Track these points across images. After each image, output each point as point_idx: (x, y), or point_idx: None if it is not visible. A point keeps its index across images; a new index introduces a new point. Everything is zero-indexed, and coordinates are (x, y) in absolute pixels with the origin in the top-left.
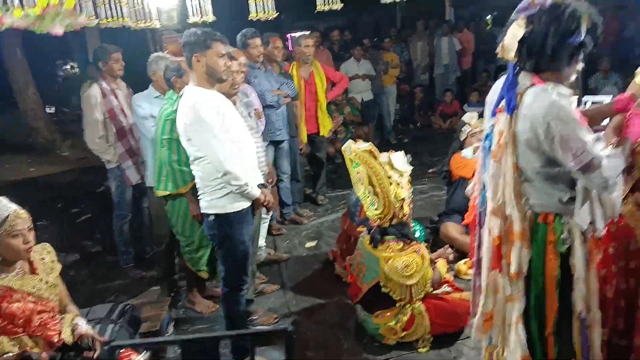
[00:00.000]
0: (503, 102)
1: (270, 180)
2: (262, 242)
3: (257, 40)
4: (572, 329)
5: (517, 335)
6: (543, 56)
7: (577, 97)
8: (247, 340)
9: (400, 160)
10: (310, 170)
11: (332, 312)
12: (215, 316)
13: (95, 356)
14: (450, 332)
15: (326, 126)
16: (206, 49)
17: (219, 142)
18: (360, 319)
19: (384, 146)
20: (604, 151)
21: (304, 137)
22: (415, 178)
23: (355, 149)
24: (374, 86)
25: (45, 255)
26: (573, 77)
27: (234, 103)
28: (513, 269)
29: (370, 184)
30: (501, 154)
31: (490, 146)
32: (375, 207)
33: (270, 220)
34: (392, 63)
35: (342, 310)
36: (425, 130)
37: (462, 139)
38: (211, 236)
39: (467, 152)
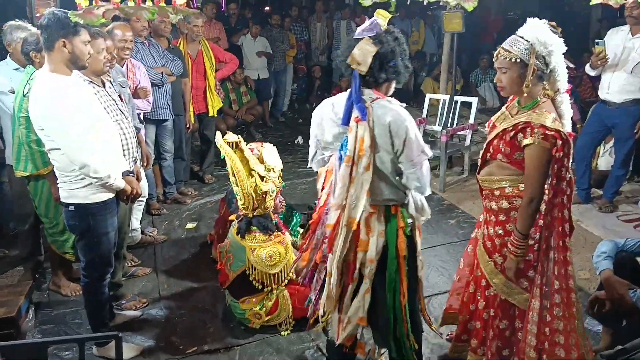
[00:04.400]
0: (356, 113)
1: (145, 164)
2: (136, 224)
3: (142, 13)
4: (416, 290)
5: (362, 302)
6: (386, 72)
7: (449, 96)
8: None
9: (272, 154)
10: (200, 147)
11: (203, 297)
12: (81, 299)
13: None
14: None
15: (215, 106)
16: (74, 35)
17: (75, 133)
18: (228, 304)
19: (277, 125)
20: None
21: (191, 116)
22: (303, 160)
23: (219, 142)
24: (276, 64)
25: None
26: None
27: (103, 84)
28: (372, 254)
29: (234, 175)
30: (357, 157)
31: (345, 153)
32: (239, 197)
33: (150, 199)
34: (289, 43)
35: (213, 295)
36: None
37: None
38: (71, 227)
39: None
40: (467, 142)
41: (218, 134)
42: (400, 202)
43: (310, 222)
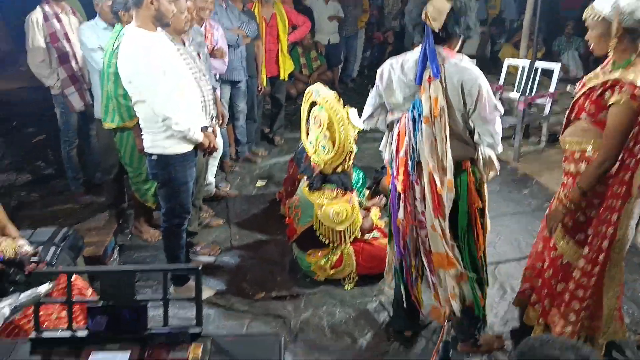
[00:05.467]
0: (429, 72)
1: (220, 122)
2: (211, 178)
3: None
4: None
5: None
6: (459, 28)
7: (529, 61)
8: (185, 270)
9: (355, 116)
10: (271, 110)
11: (271, 249)
12: (160, 244)
13: (37, 267)
14: (374, 273)
15: (286, 69)
16: None
17: (159, 87)
18: (295, 256)
19: (347, 91)
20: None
21: (263, 79)
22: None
23: (324, 93)
24: (347, 29)
25: None
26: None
27: (183, 43)
28: (439, 214)
29: (328, 129)
30: (434, 117)
31: (421, 113)
32: (327, 151)
33: (223, 157)
34: (362, 7)
35: (281, 248)
36: None
37: None
38: (153, 175)
39: None
40: (546, 111)
41: (320, 85)
42: (470, 157)
43: (402, 188)
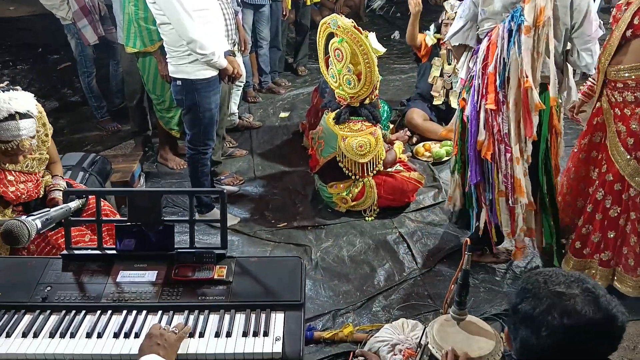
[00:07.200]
0: None
1: (243, 48)
2: (234, 108)
3: None
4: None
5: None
6: None
7: None
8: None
9: (374, 39)
10: (295, 38)
11: (293, 180)
12: (185, 172)
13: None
14: (395, 205)
15: None
16: None
17: (183, 8)
18: (317, 187)
19: (374, 18)
20: None
21: (287, 2)
22: (399, 56)
23: (343, 24)
24: None
25: (40, 128)
26: None
27: None
28: (530, 134)
29: (352, 62)
30: (538, 28)
31: (520, 23)
32: (352, 85)
33: (247, 86)
34: None
35: (303, 179)
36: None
37: (440, 22)
38: (178, 101)
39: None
40: None
41: (335, 15)
42: (553, 79)
43: (487, 103)
